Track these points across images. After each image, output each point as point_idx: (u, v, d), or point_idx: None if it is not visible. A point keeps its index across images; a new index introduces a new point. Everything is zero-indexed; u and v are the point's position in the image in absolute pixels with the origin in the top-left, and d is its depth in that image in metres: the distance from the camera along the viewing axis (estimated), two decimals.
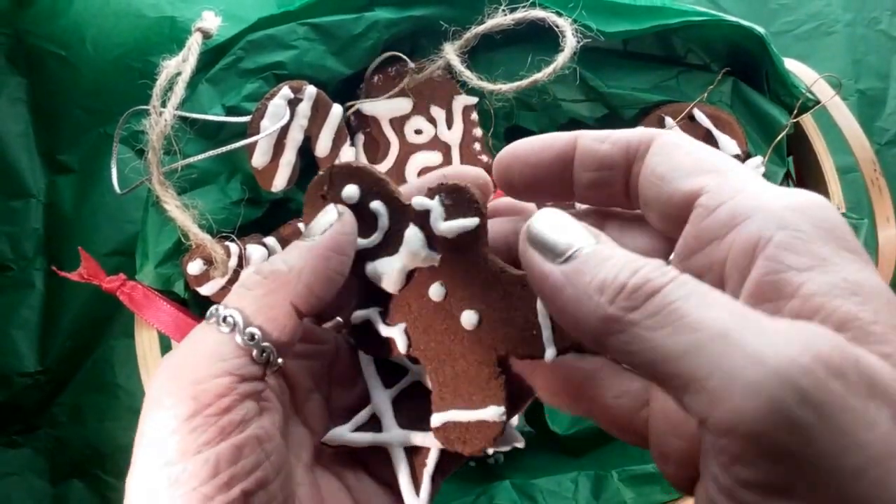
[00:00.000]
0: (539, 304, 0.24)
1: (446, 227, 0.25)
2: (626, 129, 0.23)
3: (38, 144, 0.55)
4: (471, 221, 0.24)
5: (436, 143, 0.47)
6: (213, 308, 0.24)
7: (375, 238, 0.26)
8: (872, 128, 0.60)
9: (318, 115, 0.43)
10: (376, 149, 0.47)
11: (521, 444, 0.26)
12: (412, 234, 0.25)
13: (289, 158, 0.43)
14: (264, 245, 0.43)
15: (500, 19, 0.41)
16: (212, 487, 0.21)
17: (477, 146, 0.46)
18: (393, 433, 0.26)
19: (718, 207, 0.20)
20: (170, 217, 0.40)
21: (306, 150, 0.44)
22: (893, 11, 0.61)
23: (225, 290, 0.42)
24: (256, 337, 0.23)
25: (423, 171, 0.47)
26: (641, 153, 0.22)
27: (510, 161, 0.24)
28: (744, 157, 0.41)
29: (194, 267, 0.41)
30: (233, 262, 0.42)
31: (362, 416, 0.27)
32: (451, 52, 0.42)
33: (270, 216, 0.45)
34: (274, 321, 0.24)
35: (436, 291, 0.25)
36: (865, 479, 0.15)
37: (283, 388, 0.26)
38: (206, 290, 0.42)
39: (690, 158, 0.21)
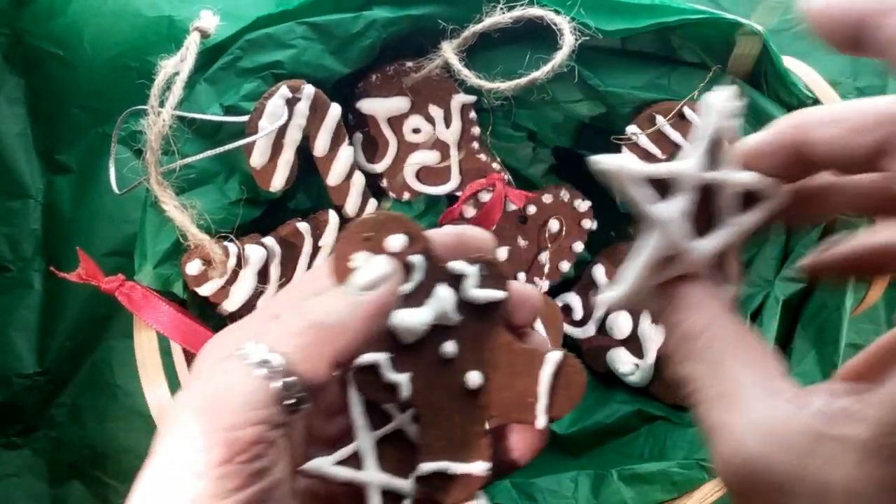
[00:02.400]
0: (542, 377, 0.27)
1: (478, 294, 0.27)
2: None
3: (36, 144, 0.55)
4: (500, 294, 0.27)
5: (434, 142, 0.46)
6: (248, 344, 0.23)
7: (406, 289, 0.26)
8: None
9: (317, 114, 0.43)
10: (374, 148, 0.47)
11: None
12: (446, 294, 0.27)
13: (287, 158, 0.43)
14: (263, 245, 0.43)
15: (499, 17, 0.41)
16: None
17: (475, 145, 0.46)
18: (373, 474, 0.27)
19: None
20: (168, 217, 0.40)
21: (304, 149, 0.44)
22: None
23: (224, 290, 0.42)
24: (295, 386, 0.23)
25: (421, 171, 0.47)
26: None
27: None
28: None
29: (193, 267, 0.41)
30: (231, 262, 0.42)
31: (345, 451, 0.27)
32: (449, 51, 0.42)
33: (269, 216, 0.45)
34: (314, 373, 0.23)
35: (449, 349, 0.27)
36: None
37: None
38: (204, 290, 0.42)
39: None
